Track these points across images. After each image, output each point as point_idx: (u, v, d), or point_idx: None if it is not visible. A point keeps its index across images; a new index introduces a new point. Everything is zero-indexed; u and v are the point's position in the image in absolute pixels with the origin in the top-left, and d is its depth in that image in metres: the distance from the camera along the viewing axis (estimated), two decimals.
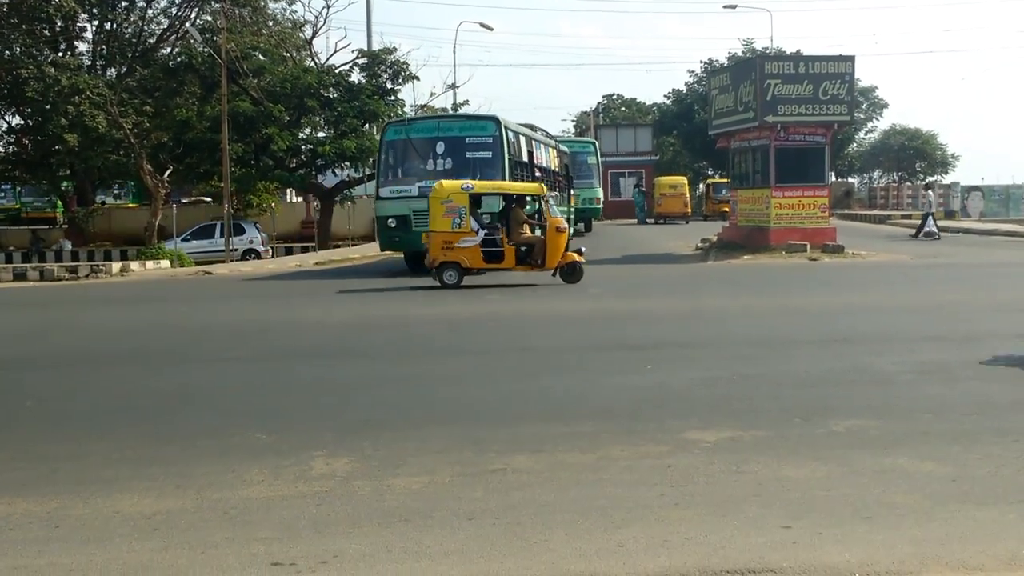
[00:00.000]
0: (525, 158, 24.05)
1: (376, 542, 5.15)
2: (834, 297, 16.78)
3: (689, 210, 47.90)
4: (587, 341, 12.05)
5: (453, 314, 15.01)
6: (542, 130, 30.80)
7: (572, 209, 32.84)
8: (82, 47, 32.54)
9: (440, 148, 21.78)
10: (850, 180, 65.14)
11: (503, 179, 20.90)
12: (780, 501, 5.71)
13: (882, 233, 36.51)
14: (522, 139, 24.18)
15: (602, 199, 41.28)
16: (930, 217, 33.18)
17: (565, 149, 34.08)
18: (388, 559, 4.93)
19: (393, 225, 21.76)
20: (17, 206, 45.45)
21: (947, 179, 58.26)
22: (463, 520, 5.46)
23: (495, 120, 21.99)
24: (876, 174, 67.97)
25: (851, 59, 26.45)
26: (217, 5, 33.51)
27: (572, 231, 29.27)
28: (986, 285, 18.62)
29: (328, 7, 38.17)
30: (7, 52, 29.86)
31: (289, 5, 42.01)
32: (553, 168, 29.16)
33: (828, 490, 5.92)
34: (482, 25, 46.68)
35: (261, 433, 7.53)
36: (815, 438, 7.14)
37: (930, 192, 36.93)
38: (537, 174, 25.08)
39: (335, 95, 33.71)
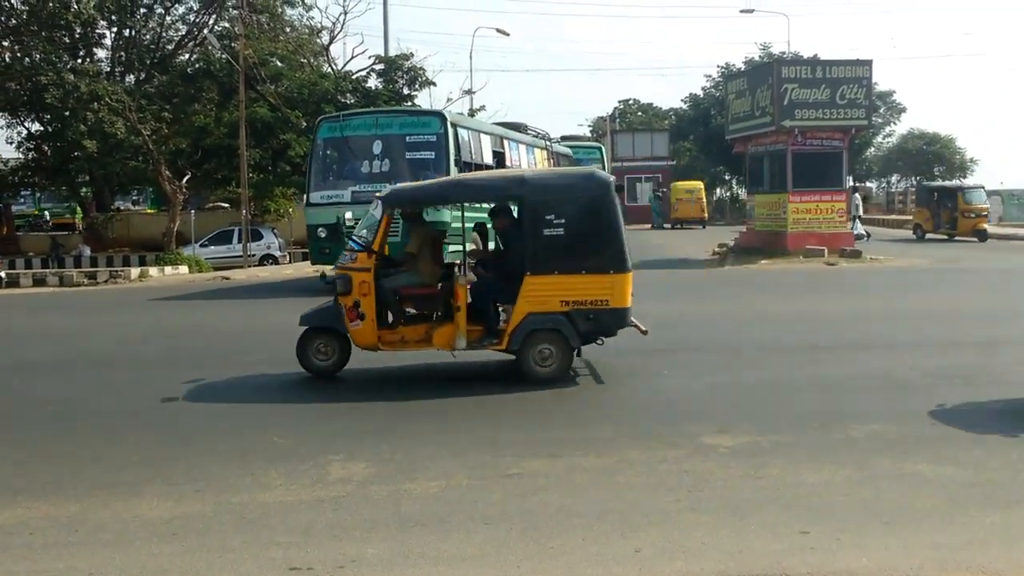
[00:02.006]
0: (488, 159, 21.50)
1: (393, 547, 5.15)
2: (852, 302, 16.71)
3: (706, 215, 47.79)
4: (604, 345, 12.01)
5: None
6: (535, 130, 28.25)
7: None
8: (101, 54, 32.75)
9: (377, 148, 19.51)
10: (868, 185, 64.90)
11: None
12: (798, 506, 5.69)
13: (900, 238, 36.33)
14: (484, 138, 21.78)
15: None
16: (856, 220, 33.16)
17: (565, 151, 30.93)
18: (405, 564, 4.93)
19: (323, 235, 19.32)
20: (37, 212, 45.80)
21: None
22: (480, 524, 5.46)
23: (440, 116, 19.69)
24: (894, 179, 67.69)
25: (869, 63, 26.37)
26: (235, 12, 33.66)
27: None
28: (1004, 290, 18.52)
29: (345, 13, 38.31)
30: (27, 59, 30.07)
31: (307, 11, 42.18)
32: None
33: (846, 495, 5.89)
34: (498, 31, 46.82)
35: (279, 437, 7.55)
36: (833, 443, 7.12)
37: (856, 195, 37.02)
38: None
39: (352, 101, 33.80)
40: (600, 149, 35.88)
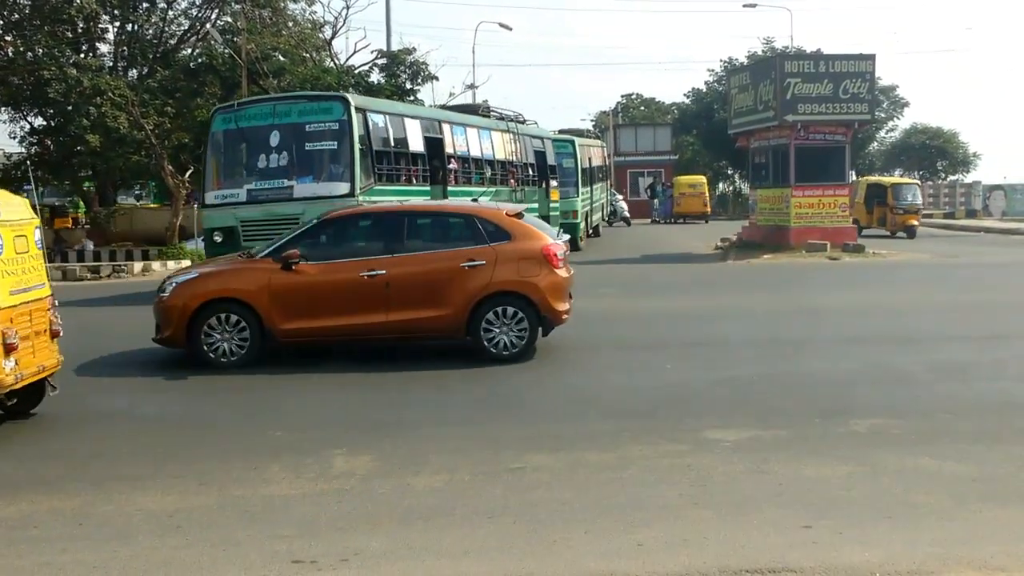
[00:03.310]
0: (417, 147, 19.14)
1: (396, 540, 5.17)
2: (854, 296, 16.70)
3: (708, 209, 47.73)
4: (606, 340, 12.03)
5: None
6: (500, 112, 25.50)
7: (556, 205, 27.21)
8: (104, 48, 32.65)
9: (275, 139, 17.20)
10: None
11: (352, 176, 16.55)
12: (800, 501, 5.70)
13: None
14: (410, 123, 19.30)
15: (586, 212, 31.23)
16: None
17: (542, 135, 27.65)
18: (408, 557, 4.95)
19: (219, 240, 17.06)
20: (55, 203, 45.82)
21: (968, 178, 57.90)
22: (483, 518, 5.48)
23: (342, 100, 17.38)
24: (897, 173, 67.61)
25: (871, 58, 26.33)
26: (237, 6, 33.62)
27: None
28: (1007, 285, 18.50)
29: (348, 8, 38.30)
30: (29, 54, 30.01)
31: (309, 6, 42.00)
32: (505, 158, 23.65)
33: (849, 490, 5.90)
34: (501, 25, 46.61)
35: (282, 431, 7.57)
36: (836, 437, 7.13)
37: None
38: (452, 165, 20.53)
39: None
40: (572, 142, 30.31)
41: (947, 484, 5.98)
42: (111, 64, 32.12)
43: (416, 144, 19.10)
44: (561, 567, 4.78)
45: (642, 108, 75.00)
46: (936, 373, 9.53)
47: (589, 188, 31.73)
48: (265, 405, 8.71)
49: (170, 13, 33.60)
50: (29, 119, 32.12)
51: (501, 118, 24.87)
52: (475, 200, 13.66)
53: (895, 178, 40.96)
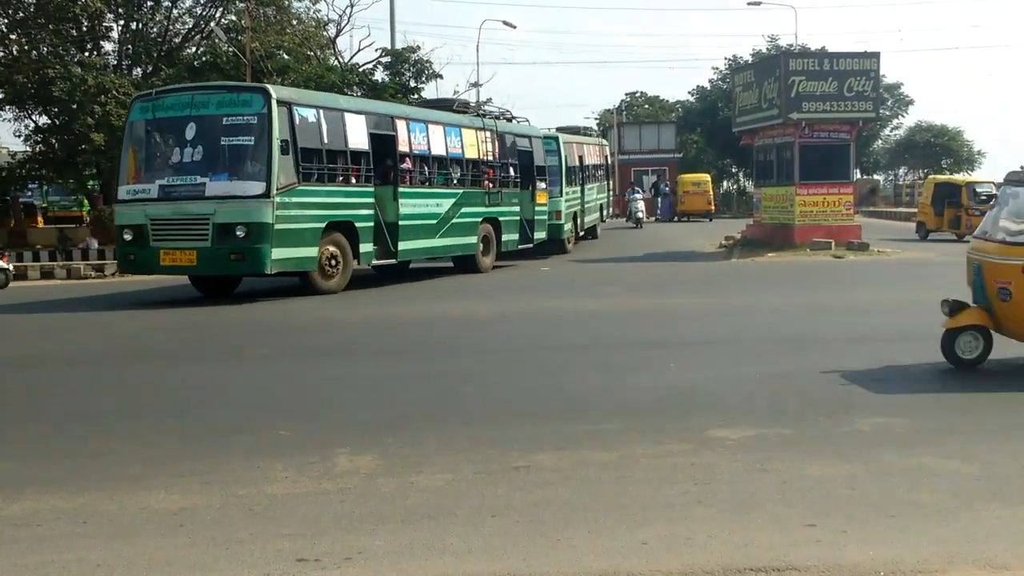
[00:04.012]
0: (360, 144, 17.95)
1: (400, 539, 5.16)
2: (859, 295, 16.69)
3: (713, 207, 47.71)
4: (610, 338, 12.03)
5: (471, 312, 15.04)
6: (477, 108, 24.71)
7: (543, 208, 25.47)
8: (108, 47, 32.68)
9: (191, 132, 16.11)
10: (875, 177, 64.77)
11: (271, 173, 15.58)
12: (804, 499, 5.69)
13: (908, 231, 36.24)
14: (352, 119, 18.00)
15: (574, 212, 29.50)
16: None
17: (528, 132, 25.74)
18: (412, 556, 4.94)
19: (128, 238, 16.32)
20: (43, 204, 45.79)
21: (973, 176, 57.81)
22: (486, 517, 5.47)
23: (262, 92, 16.16)
24: (902, 171, 67.57)
25: (876, 55, 26.29)
26: (242, 4, 33.63)
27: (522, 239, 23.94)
28: None
29: (352, 6, 38.14)
30: (34, 52, 30.05)
31: (313, 4, 42.10)
32: (480, 157, 22.24)
33: (852, 488, 5.89)
34: (505, 23, 46.70)
35: (285, 430, 7.57)
36: (839, 436, 7.12)
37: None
38: (406, 164, 19.43)
39: (359, 94, 33.80)
40: (556, 140, 27.99)
41: (952, 483, 5.97)
42: (115, 62, 32.14)
43: (359, 141, 17.96)
44: (565, 566, 4.77)
45: (646, 106, 75.01)
46: (940, 371, 9.51)
47: (579, 188, 30.19)
48: (268, 404, 8.71)
49: (174, 11, 33.66)
50: (33, 117, 32.17)
51: (482, 115, 23.62)
52: None
53: (969, 176, 38.65)
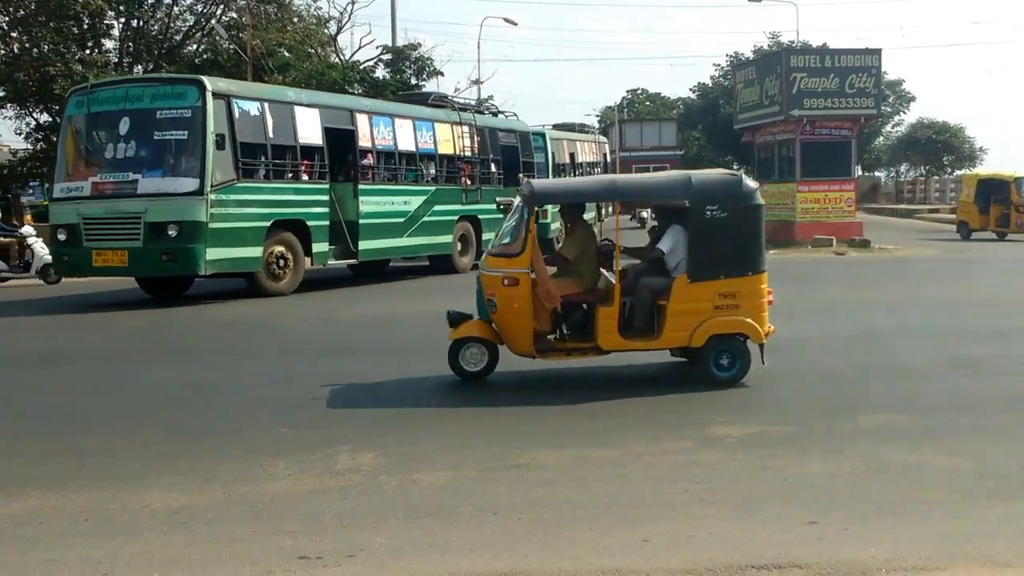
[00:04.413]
0: (312, 139, 17.13)
1: (401, 536, 5.17)
2: (860, 292, 16.67)
3: None
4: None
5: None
6: (462, 102, 23.59)
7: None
8: (109, 44, 32.64)
9: (124, 126, 15.44)
10: (877, 174, 64.74)
11: (205, 169, 14.96)
12: (805, 497, 5.69)
13: (910, 227, 36.25)
14: (303, 112, 17.10)
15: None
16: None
17: (515, 127, 24.62)
18: (413, 553, 4.95)
19: (63, 239, 15.73)
20: (45, 202, 45.75)
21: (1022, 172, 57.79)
22: (488, 515, 5.47)
23: (197, 84, 15.38)
24: (903, 168, 67.51)
25: (878, 52, 26.30)
26: (243, 2, 33.65)
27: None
28: (1015, 280, 18.46)
29: (353, 3, 38.15)
30: (35, 50, 30.03)
31: (314, 1, 42.09)
32: (457, 153, 21.24)
33: (854, 486, 5.89)
34: (506, 20, 46.70)
35: (286, 428, 7.57)
36: (841, 433, 7.12)
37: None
38: (368, 160, 18.59)
39: (360, 91, 33.81)
40: (542, 136, 26.86)
41: (953, 480, 5.97)
42: (117, 60, 32.12)
43: (312, 136, 17.18)
44: (566, 563, 4.77)
45: (647, 103, 75.02)
46: (942, 369, 9.52)
47: None
48: (270, 402, 8.71)
49: (175, 9, 33.63)
50: (35, 115, 32.15)
51: (463, 109, 22.53)
52: None
53: (1015, 172, 35.26)
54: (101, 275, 16.73)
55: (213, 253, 15.25)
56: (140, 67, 33.20)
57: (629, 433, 7.17)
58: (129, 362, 11.10)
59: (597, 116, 73.15)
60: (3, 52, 30.43)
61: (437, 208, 20.28)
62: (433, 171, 20.46)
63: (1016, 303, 14.81)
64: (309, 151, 17.08)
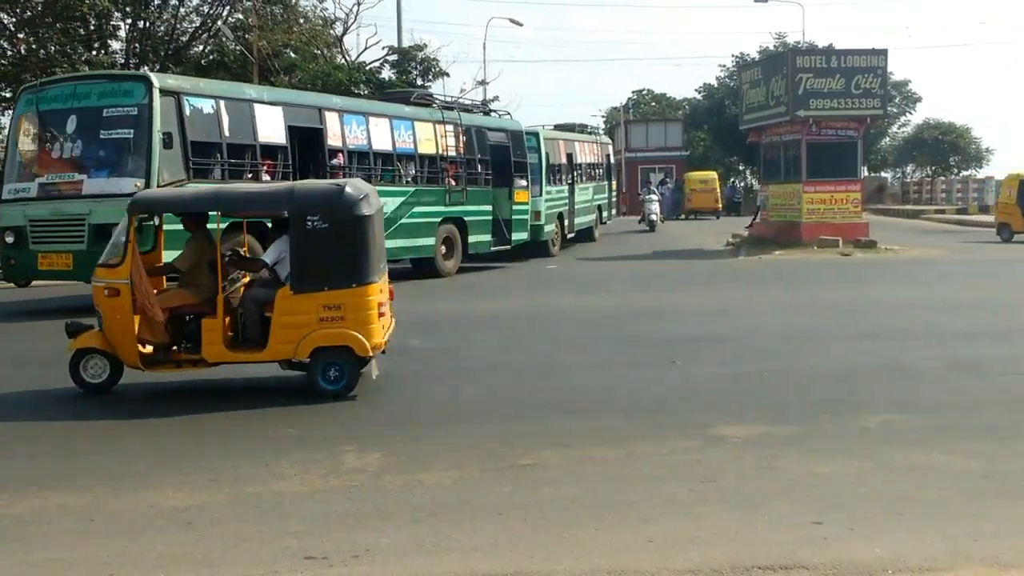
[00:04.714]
0: (275, 138, 16.31)
1: (407, 536, 5.18)
2: (866, 292, 16.66)
3: (720, 205, 47.63)
4: (616, 336, 12.03)
5: (474, 310, 15.05)
6: (447, 100, 22.05)
7: (523, 207, 23.39)
8: (116, 45, 32.74)
9: (71, 125, 14.96)
10: (883, 175, 64.63)
11: (150, 169, 14.25)
12: (810, 497, 5.69)
13: (916, 228, 36.18)
14: (261, 110, 16.21)
15: (558, 213, 27.07)
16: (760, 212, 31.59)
17: (506, 127, 23.64)
18: (419, 553, 4.96)
19: (11, 241, 15.12)
20: None
21: (981, 173, 57.66)
22: (492, 515, 5.48)
23: (144, 81, 14.81)
24: (909, 168, 67.36)
25: (884, 52, 26.21)
26: (249, 3, 33.70)
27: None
28: (1019, 281, 18.43)
29: (359, 4, 38.17)
30: (42, 51, 30.12)
31: (320, 2, 42.17)
32: (439, 153, 20.21)
33: (859, 486, 5.89)
34: (512, 21, 46.74)
35: (292, 428, 7.59)
36: (846, 434, 7.12)
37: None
38: (338, 160, 17.70)
39: (366, 92, 33.83)
40: (536, 135, 25.61)
41: (958, 480, 5.97)
42: (123, 61, 32.20)
43: (274, 135, 16.32)
44: (571, 563, 4.78)
45: (653, 104, 74.92)
46: (947, 369, 9.50)
47: (566, 187, 28.01)
48: (275, 402, 8.72)
49: (182, 10, 33.69)
50: None
51: (449, 107, 21.37)
52: None
53: None
54: (47, 279, 16.24)
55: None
56: (147, 68, 33.29)
57: (634, 433, 7.18)
58: None
59: (603, 117, 73.07)
60: (10, 53, 30.51)
61: (417, 210, 19.40)
62: (413, 171, 19.64)
63: (1018, 302, 14.80)
64: (272, 150, 16.32)
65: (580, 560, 4.81)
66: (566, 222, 28.01)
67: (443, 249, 20.36)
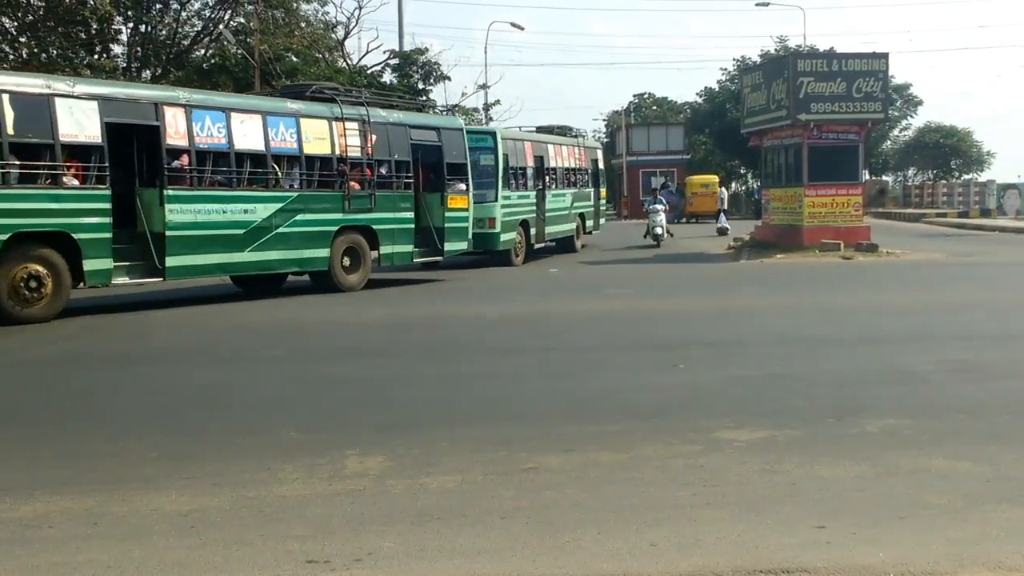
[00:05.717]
0: (89, 137, 14.62)
1: (409, 540, 5.17)
2: (868, 296, 16.66)
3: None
4: (618, 340, 12.03)
5: (479, 314, 15.05)
6: (350, 96, 19.67)
7: (460, 214, 21.25)
8: (118, 50, 32.83)
9: None
10: (884, 178, 64.70)
11: None
12: (813, 501, 5.68)
13: (917, 232, 36.19)
14: (67, 104, 14.39)
15: (522, 220, 25.63)
16: (721, 213, 37.30)
17: (439, 124, 21.76)
18: (421, 557, 4.95)
19: None
20: None
21: (982, 177, 57.71)
22: (496, 519, 5.48)
23: None
24: (911, 172, 67.44)
25: (885, 56, 26.26)
26: (250, 7, 33.75)
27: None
28: (1021, 284, 18.42)
29: (360, 8, 38.47)
30: (44, 55, 30.18)
31: (322, 6, 42.22)
32: (338, 154, 18.33)
33: (862, 490, 5.88)
34: (513, 25, 46.73)
35: (295, 431, 7.59)
36: (848, 438, 7.11)
37: (722, 189, 40.77)
38: (181, 162, 15.98)
39: (367, 95, 33.92)
40: (492, 135, 24.38)
41: (961, 484, 5.96)
42: (125, 65, 32.26)
43: (84, 133, 14.59)
44: (574, 567, 4.77)
45: (654, 108, 75.08)
46: (950, 373, 9.49)
47: (533, 193, 26.37)
48: (278, 405, 8.73)
49: (183, 14, 33.81)
50: None
51: (357, 103, 19.31)
52: None
53: None
54: None
55: None
56: (148, 72, 33.35)
57: (636, 437, 7.17)
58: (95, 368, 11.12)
59: (604, 120, 73.21)
60: (12, 57, 30.57)
61: (303, 218, 17.59)
62: (297, 174, 17.70)
63: (1020, 306, 14.80)
64: (82, 151, 14.61)
65: (583, 564, 4.81)
66: (533, 230, 26.20)
67: (346, 261, 18.54)
